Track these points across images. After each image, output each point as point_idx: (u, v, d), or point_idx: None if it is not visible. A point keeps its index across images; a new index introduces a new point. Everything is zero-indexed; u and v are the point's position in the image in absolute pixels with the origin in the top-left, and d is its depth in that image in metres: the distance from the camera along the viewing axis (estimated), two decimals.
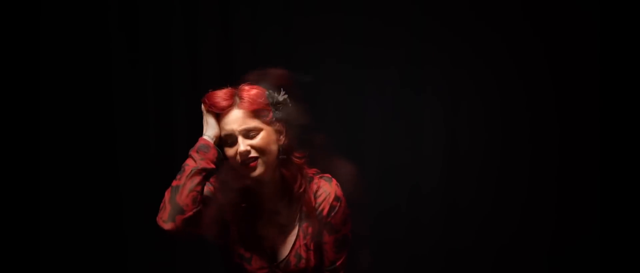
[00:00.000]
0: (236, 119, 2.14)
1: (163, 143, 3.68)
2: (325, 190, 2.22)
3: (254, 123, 2.14)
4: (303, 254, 2.20)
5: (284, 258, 2.21)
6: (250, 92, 2.18)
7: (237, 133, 2.13)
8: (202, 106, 2.21)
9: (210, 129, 2.17)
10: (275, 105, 2.21)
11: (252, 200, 2.23)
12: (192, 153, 2.12)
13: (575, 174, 3.59)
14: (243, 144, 2.13)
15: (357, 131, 3.63)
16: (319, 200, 2.21)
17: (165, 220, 2.07)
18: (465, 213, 3.66)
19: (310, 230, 2.21)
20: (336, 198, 2.23)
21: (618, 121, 2.65)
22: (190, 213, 2.06)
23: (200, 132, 3.63)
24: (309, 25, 3.60)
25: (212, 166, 2.11)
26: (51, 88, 3.50)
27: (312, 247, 2.19)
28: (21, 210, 2.95)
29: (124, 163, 3.68)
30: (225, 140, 2.16)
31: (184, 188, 2.08)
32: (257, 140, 2.14)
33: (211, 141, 2.15)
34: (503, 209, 3.64)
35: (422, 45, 3.63)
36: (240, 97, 2.16)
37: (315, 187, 2.23)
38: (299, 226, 2.21)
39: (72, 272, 3.59)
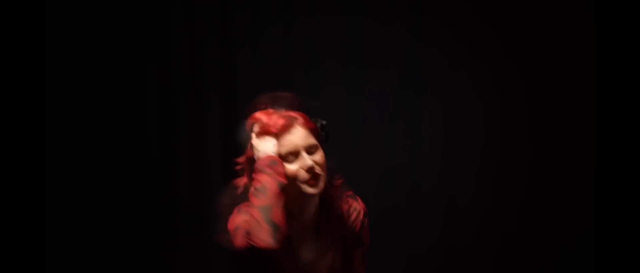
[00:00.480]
0: (300, 135, 2.10)
1: (164, 143, 3.69)
2: (355, 208, 2.22)
3: (314, 141, 2.12)
4: (340, 270, 2.19)
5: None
6: (299, 113, 2.16)
7: (301, 148, 2.09)
8: (253, 129, 2.14)
9: (270, 146, 2.09)
10: (321, 128, 2.20)
11: (293, 224, 2.21)
12: (265, 168, 2.05)
13: (572, 173, 3.62)
14: (309, 159, 2.09)
15: (357, 131, 3.65)
16: (352, 218, 2.21)
17: (267, 239, 1.98)
18: (464, 211, 3.69)
19: (344, 248, 2.21)
20: (364, 214, 2.25)
21: (614, 121, 2.68)
22: (284, 230, 2.03)
23: (201, 131, 3.64)
24: (309, 26, 3.62)
25: (285, 181, 2.06)
26: (55, 91, 3.52)
27: (347, 263, 2.21)
28: (25, 208, 2.96)
29: (126, 162, 3.69)
30: (286, 157, 2.10)
31: (276, 207, 2.01)
32: (319, 157, 2.11)
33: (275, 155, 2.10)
34: (501, 207, 3.67)
35: (421, 46, 3.65)
36: (295, 117, 2.13)
37: (346, 207, 2.23)
38: (336, 246, 2.21)
39: (74, 269, 3.60)
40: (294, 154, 2.09)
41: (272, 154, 2.08)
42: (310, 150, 2.10)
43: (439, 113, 3.68)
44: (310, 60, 3.61)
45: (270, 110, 2.17)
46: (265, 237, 1.99)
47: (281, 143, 2.09)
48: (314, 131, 2.13)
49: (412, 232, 3.69)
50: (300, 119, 2.12)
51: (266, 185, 2.03)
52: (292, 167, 2.09)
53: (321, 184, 2.11)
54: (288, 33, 3.64)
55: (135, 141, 3.67)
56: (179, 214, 3.70)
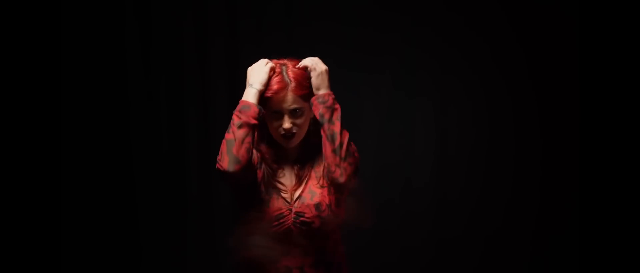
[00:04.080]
0: (286, 100, 2.37)
1: (175, 143, 3.77)
2: None
3: (300, 104, 2.39)
4: (316, 190, 2.42)
5: (299, 196, 2.43)
6: (297, 73, 2.39)
7: (285, 111, 2.38)
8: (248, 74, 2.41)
9: (252, 97, 2.36)
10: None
11: (277, 152, 2.45)
12: (235, 113, 2.35)
13: (555, 169, 3.70)
14: (288, 122, 2.38)
15: (354, 131, 3.53)
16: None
17: (226, 167, 2.30)
18: (454, 206, 3.76)
19: (324, 169, 2.43)
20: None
21: (596, 121, 2.75)
22: (245, 163, 2.32)
23: (208, 132, 3.76)
24: (309, 33, 3.70)
25: (254, 122, 2.34)
26: (73, 97, 3.57)
27: (325, 184, 2.42)
28: (43, 208, 2.90)
29: (139, 163, 3.77)
30: (272, 114, 2.39)
31: (237, 141, 2.32)
32: (301, 119, 2.40)
33: (252, 102, 2.35)
34: (489, 202, 3.75)
35: (414, 52, 3.73)
36: (290, 80, 2.38)
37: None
38: (312, 170, 2.46)
39: (90, 263, 3.66)
40: (278, 114, 2.37)
41: (251, 99, 2.34)
42: (294, 112, 2.37)
43: (431, 114, 3.75)
44: None
45: (275, 71, 2.38)
46: (224, 164, 2.30)
47: (270, 101, 2.37)
48: (303, 95, 2.37)
49: (406, 225, 3.77)
50: (295, 85, 2.37)
51: (234, 123, 2.32)
52: (275, 123, 2.39)
53: (296, 139, 2.41)
54: (290, 40, 3.73)
55: (148, 143, 3.76)
56: (188, 211, 3.79)
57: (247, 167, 2.33)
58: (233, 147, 2.31)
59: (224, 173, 2.31)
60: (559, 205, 3.72)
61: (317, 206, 2.40)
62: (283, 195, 2.43)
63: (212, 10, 3.73)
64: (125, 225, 3.76)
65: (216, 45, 3.75)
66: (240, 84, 2.47)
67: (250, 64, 2.44)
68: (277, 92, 2.36)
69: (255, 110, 2.34)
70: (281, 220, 2.41)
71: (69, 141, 3.55)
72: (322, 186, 2.43)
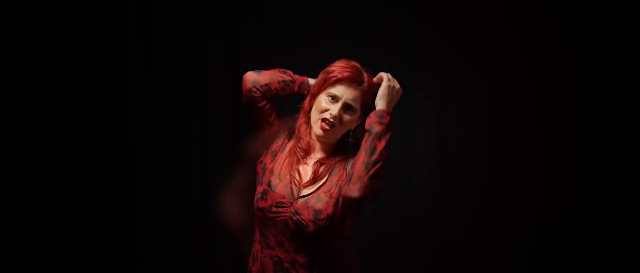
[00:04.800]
0: (352, 93, 2.41)
1: (175, 143, 3.78)
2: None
3: (358, 105, 2.42)
4: (324, 198, 2.39)
5: (305, 196, 2.41)
6: (371, 83, 2.46)
7: (342, 100, 2.41)
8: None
9: (312, 80, 2.51)
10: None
11: (308, 144, 2.47)
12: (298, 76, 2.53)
13: (556, 170, 3.71)
14: (337, 110, 2.39)
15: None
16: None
17: (250, 72, 2.47)
18: (454, 206, 3.77)
19: (339, 181, 2.42)
20: None
21: (595, 121, 2.76)
22: (260, 79, 2.46)
23: (208, 132, 3.75)
24: (309, 33, 3.70)
25: (296, 80, 2.49)
26: (73, 97, 3.57)
27: (334, 195, 2.40)
28: (44, 203, 2.89)
29: (139, 161, 3.77)
30: (329, 95, 2.42)
31: (271, 70, 2.48)
32: (348, 117, 2.42)
33: (309, 79, 2.51)
34: (490, 203, 3.75)
35: (415, 52, 3.74)
36: (364, 81, 2.44)
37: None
38: (329, 177, 2.44)
39: (90, 260, 3.66)
40: (335, 100, 2.39)
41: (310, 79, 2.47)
42: (348, 107, 2.39)
43: (431, 114, 3.76)
44: (310, 64, 3.54)
45: (355, 63, 2.46)
46: (253, 71, 2.48)
47: (333, 86, 2.40)
48: (365, 100, 2.41)
49: (406, 226, 3.78)
50: (366, 87, 2.42)
51: (286, 72, 2.48)
52: (325, 104, 2.41)
53: (329, 135, 2.40)
54: (290, 39, 3.72)
55: (148, 141, 3.76)
56: (188, 210, 3.80)
57: (258, 86, 2.43)
58: (265, 70, 2.46)
59: (243, 77, 2.45)
60: (559, 205, 3.72)
61: (317, 212, 2.37)
62: (293, 186, 2.42)
63: (212, 10, 3.74)
64: (125, 225, 3.76)
65: (216, 45, 3.75)
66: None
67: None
68: (349, 79, 2.40)
69: (306, 79, 2.48)
70: (279, 209, 2.40)
71: (69, 140, 3.55)
72: (331, 196, 2.40)
